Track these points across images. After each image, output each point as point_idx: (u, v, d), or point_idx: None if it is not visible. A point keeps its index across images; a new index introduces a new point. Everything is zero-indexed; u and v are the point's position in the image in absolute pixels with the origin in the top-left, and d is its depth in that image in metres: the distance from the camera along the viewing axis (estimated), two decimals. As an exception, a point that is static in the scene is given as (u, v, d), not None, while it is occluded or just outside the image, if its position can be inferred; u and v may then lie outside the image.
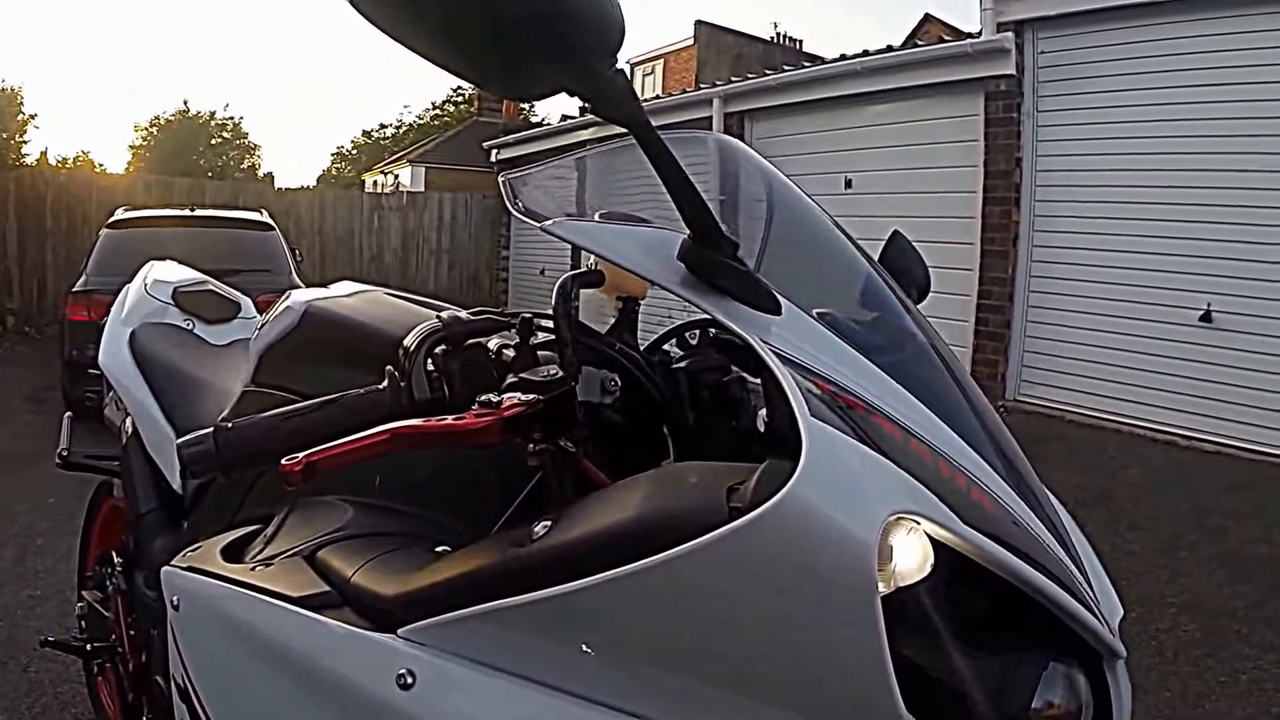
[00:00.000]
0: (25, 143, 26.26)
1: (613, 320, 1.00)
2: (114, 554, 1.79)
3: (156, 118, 34.28)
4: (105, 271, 5.56)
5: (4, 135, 23.61)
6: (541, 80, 0.63)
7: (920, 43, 7.22)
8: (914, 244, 1.02)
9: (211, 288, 2.05)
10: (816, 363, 0.66)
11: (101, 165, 30.80)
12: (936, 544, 0.59)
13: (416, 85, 71.72)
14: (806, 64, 7.99)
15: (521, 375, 0.79)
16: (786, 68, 7.73)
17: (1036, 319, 5.82)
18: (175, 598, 0.95)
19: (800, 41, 17.94)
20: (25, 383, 6.82)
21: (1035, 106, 5.78)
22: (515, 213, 0.84)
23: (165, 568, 1.00)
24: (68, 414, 2.03)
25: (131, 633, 1.60)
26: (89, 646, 1.77)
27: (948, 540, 0.59)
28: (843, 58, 6.97)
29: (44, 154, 24.05)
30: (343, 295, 1.30)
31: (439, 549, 0.83)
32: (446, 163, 20.13)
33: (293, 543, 0.95)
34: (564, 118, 13.52)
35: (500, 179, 0.89)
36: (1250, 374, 4.86)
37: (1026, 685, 0.62)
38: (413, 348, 0.86)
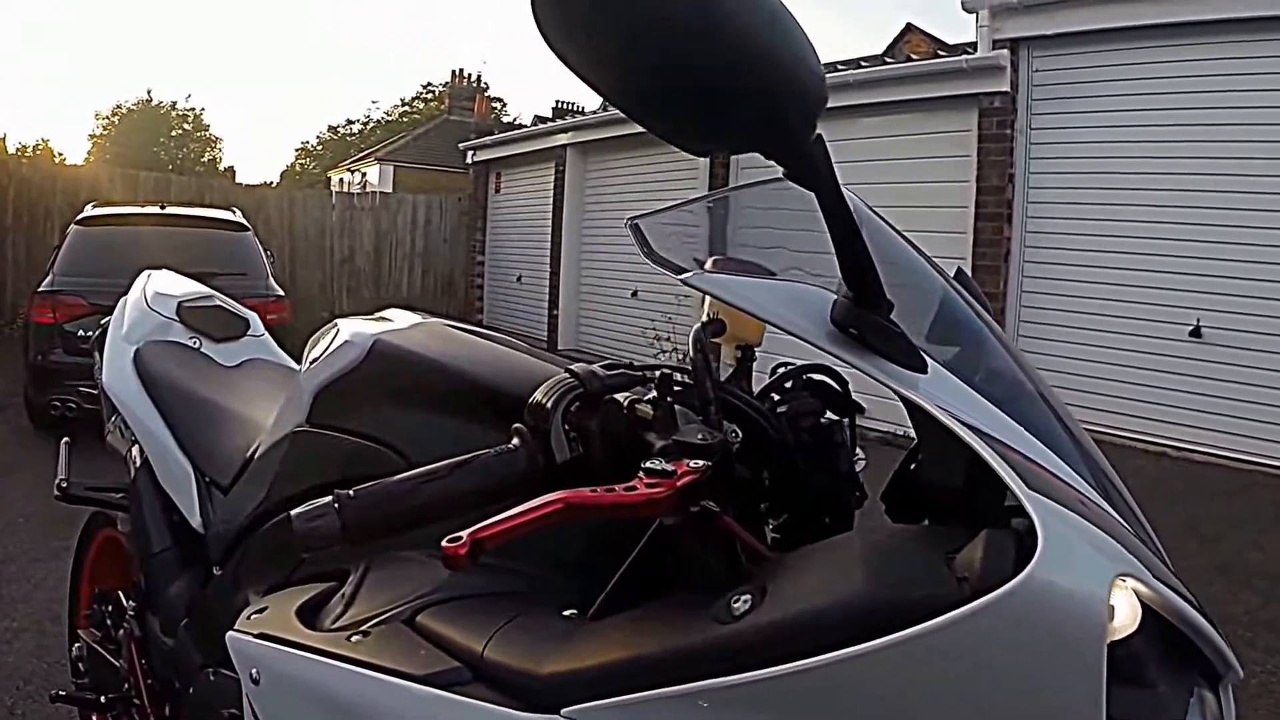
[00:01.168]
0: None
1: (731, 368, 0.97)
2: (120, 594, 1.67)
3: (118, 106, 33.31)
4: (73, 271, 5.36)
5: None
6: (737, 142, 0.63)
7: (914, 56, 7.27)
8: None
9: (218, 303, 1.94)
10: (980, 424, 0.65)
11: (61, 155, 29.62)
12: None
13: (384, 81, 71.01)
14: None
15: (676, 438, 0.76)
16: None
17: (1028, 334, 5.87)
18: (254, 670, 0.86)
19: (779, 47, 17.92)
20: (-16, 389, 6.51)
21: (1029, 124, 5.86)
22: (651, 262, 0.80)
23: (231, 633, 0.91)
24: (65, 440, 1.89)
25: (149, 681, 1.48)
26: (102, 699, 1.63)
27: (1142, 593, 0.61)
28: (834, 68, 6.97)
29: (2, 140, 22.86)
30: (405, 328, 1.20)
31: (566, 613, 0.80)
32: (416, 161, 19.74)
33: (381, 605, 0.88)
34: (537, 119, 13.39)
35: (627, 224, 0.85)
36: (1238, 387, 5.00)
37: (1180, 713, 0.64)
38: (549, 404, 0.79)
